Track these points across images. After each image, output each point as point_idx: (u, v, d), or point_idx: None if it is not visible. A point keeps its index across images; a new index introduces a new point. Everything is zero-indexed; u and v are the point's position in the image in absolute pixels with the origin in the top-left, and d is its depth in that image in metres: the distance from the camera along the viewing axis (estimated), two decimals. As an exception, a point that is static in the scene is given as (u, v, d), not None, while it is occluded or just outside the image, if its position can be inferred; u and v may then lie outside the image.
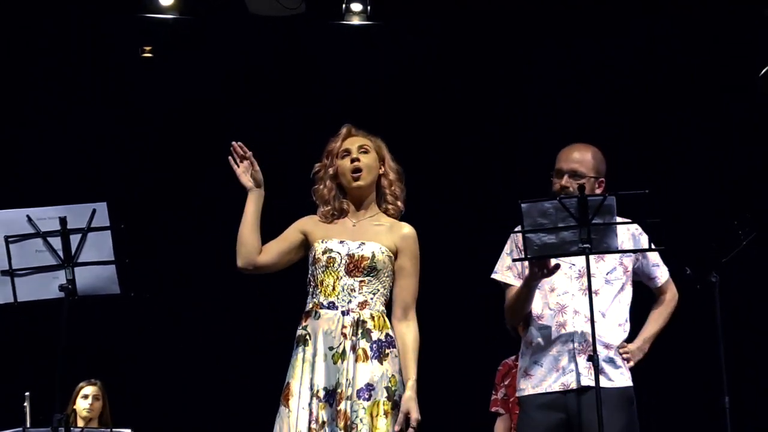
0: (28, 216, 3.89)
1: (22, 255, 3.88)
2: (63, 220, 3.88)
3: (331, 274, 3.71)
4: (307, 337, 3.67)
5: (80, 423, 6.05)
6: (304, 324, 3.72)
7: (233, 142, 3.82)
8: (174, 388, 7.46)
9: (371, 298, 3.70)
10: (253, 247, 3.78)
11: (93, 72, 7.48)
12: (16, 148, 7.51)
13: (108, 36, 7.40)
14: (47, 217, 3.90)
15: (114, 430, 5.40)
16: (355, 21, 7.36)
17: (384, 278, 3.74)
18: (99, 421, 6.15)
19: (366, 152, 3.85)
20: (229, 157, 3.82)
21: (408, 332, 3.72)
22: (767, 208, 6.85)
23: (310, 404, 3.57)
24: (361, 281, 3.70)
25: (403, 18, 7.39)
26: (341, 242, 3.75)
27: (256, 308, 7.30)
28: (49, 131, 7.54)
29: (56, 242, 3.88)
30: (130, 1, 7.32)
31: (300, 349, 3.68)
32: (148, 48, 7.62)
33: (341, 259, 3.71)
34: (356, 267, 3.70)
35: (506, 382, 6.15)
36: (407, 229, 3.83)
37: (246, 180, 3.82)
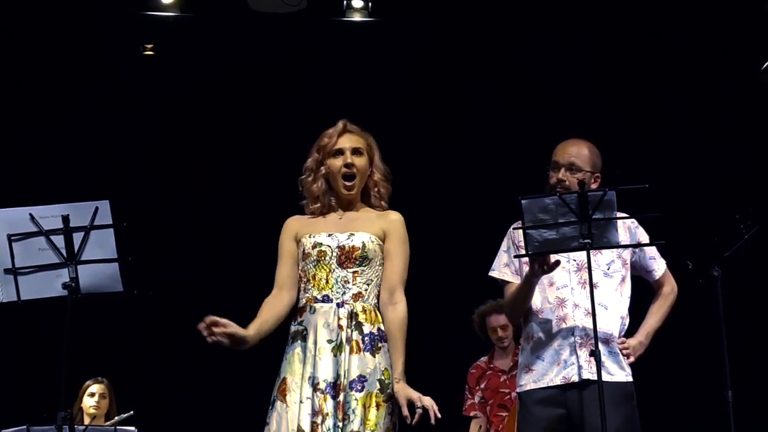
0: (30, 214, 3.90)
1: (25, 253, 3.88)
2: (66, 218, 3.88)
3: (323, 267, 3.68)
4: (304, 332, 3.65)
5: (86, 421, 6.07)
6: (299, 319, 3.69)
7: (199, 326, 3.57)
8: (179, 386, 7.47)
9: (365, 289, 3.68)
10: (277, 321, 3.74)
11: (94, 70, 7.49)
12: (19, 147, 7.52)
13: (109, 34, 7.41)
14: (50, 215, 3.89)
15: (118, 428, 5.41)
16: (357, 17, 7.38)
17: (376, 267, 3.71)
18: (105, 418, 6.17)
19: (360, 155, 3.79)
20: (204, 333, 3.59)
21: (394, 317, 3.65)
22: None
23: (311, 398, 3.55)
24: (354, 272, 3.67)
25: (404, 14, 7.39)
26: (330, 235, 3.72)
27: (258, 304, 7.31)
28: (51, 129, 7.56)
29: (59, 240, 3.88)
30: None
31: (297, 344, 3.65)
32: (149, 46, 7.63)
33: (332, 252, 3.68)
34: (348, 258, 3.68)
35: (482, 385, 6.12)
36: (395, 215, 3.79)
37: (227, 343, 3.62)
